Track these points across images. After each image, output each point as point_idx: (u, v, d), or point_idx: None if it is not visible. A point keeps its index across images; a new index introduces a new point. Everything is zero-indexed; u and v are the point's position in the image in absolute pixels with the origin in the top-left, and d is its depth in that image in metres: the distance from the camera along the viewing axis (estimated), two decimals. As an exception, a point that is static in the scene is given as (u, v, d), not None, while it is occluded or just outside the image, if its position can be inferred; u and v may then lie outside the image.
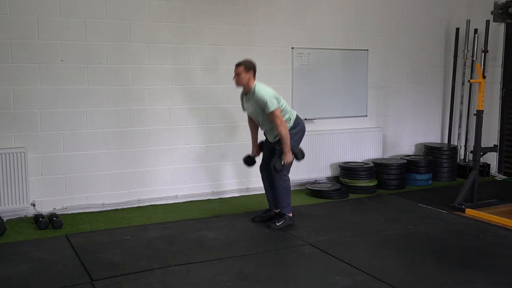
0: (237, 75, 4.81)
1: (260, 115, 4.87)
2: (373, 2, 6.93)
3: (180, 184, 5.92)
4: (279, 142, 4.85)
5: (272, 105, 4.71)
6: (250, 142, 5.24)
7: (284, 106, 4.89)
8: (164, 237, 4.70)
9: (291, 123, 4.90)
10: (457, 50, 7.39)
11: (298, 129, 4.96)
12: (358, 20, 6.85)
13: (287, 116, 4.89)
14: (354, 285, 3.70)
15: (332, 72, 6.69)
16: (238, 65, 4.81)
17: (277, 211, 5.11)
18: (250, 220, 5.18)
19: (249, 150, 5.27)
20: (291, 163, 4.93)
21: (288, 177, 5.02)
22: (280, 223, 4.94)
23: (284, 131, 4.74)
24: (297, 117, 5.01)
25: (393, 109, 7.29)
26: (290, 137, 4.81)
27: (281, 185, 4.93)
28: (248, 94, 4.88)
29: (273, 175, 4.95)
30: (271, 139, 4.99)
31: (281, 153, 4.84)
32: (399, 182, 6.65)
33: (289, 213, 5.02)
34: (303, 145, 5.08)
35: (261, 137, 5.22)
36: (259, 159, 5.24)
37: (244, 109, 5.08)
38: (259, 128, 5.13)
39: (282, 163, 4.80)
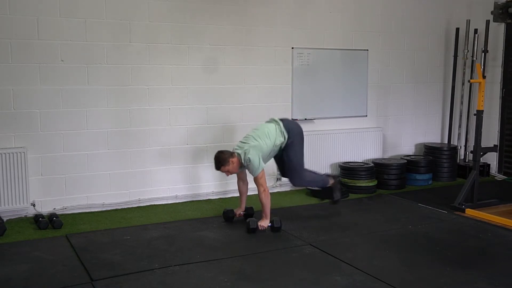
0: (228, 172, 4.94)
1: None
2: (373, 2, 6.94)
3: (180, 184, 5.93)
4: (282, 151, 5.04)
5: (258, 171, 4.83)
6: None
7: (272, 141, 4.94)
8: (164, 237, 4.70)
9: (285, 138, 4.96)
10: (457, 50, 7.38)
11: (296, 140, 5.02)
12: (358, 20, 6.85)
13: (280, 140, 4.96)
14: (354, 285, 3.70)
15: (332, 72, 6.69)
16: (218, 169, 4.93)
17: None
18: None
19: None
20: (302, 165, 5.13)
21: (307, 172, 5.23)
22: (336, 195, 5.33)
23: (265, 198, 4.86)
24: (291, 130, 5.01)
25: (393, 109, 7.29)
26: (292, 149, 4.97)
27: (306, 183, 5.36)
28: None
29: (294, 183, 5.26)
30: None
31: (289, 159, 5.02)
32: (399, 182, 6.65)
33: (329, 183, 5.33)
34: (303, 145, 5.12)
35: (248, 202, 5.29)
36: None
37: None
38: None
39: (255, 226, 4.83)
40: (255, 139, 4.93)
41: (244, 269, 3.97)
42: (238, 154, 4.90)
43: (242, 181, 5.19)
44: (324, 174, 5.54)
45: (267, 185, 4.94)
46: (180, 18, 5.73)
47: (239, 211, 5.22)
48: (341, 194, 5.46)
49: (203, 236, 4.73)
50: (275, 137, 4.96)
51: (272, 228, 4.87)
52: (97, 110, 5.43)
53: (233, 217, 5.19)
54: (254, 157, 4.81)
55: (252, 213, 5.21)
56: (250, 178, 5.06)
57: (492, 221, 5.24)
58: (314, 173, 5.40)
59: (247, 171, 5.04)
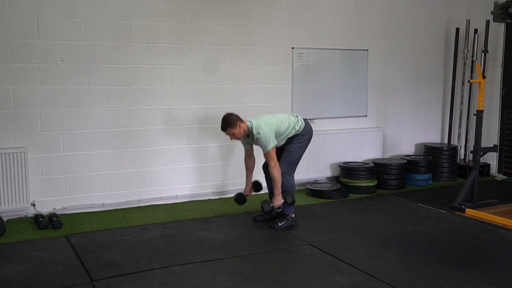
0: (232, 136, 4.87)
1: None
2: (373, 2, 6.94)
3: (180, 184, 5.93)
4: (289, 141, 4.96)
5: (269, 146, 4.77)
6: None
7: (288, 125, 4.94)
8: (164, 237, 4.70)
9: (300, 130, 4.98)
10: (457, 50, 7.39)
11: (307, 136, 5.05)
12: (358, 20, 6.85)
13: (295, 129, 4.96)
14: (354, 285, 3.70)
15: (332, 72, 6.69)
16: (224, 129, 4.86)
17: (280, 210, 5.11)
18: (251, 219, 5.19)
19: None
20: (296, 164, 5.02)
21: (293, 177, 5.04)
22: (282, 223, 4.94)
23: (277, 173, 4.81)
24: (307, 125, 5.07)
25: (393, 109, 7.29)
26: (298, 141, 4.94)
27: (284, 185, 4.93)
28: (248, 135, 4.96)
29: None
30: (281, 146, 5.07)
31: (292, 149, 4.96)
32: (399, 182, 6.65)
33: (292, 214, 5.03)
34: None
35: (255, 176, 5.25)
36: (249, 198, 5.28)
37: (244, 146, 5.12)
38: None
39: (271, 206, 4.86)
40: (272, 118, 4.93)
41: (244, 269, 3.97)
42: (250, 122, 4.86)
43: (249, 157, 5.15)
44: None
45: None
46: (180, 18, 5.73)
47: (247, 190, 5.20)
48: (285, 226, 4.94)
49: (203, 236, 4.73)
50: (293, 125, 4.96)
51: (286, 204, 4.91)
52: (97, 110, 5.42)
53: (245, 197, 5.18)
54: (266, 131, 4.76)
55: (260, 185, 5.23)
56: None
57: (492, 221, 5.24)
58: (292, 190, 5.04)
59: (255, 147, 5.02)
